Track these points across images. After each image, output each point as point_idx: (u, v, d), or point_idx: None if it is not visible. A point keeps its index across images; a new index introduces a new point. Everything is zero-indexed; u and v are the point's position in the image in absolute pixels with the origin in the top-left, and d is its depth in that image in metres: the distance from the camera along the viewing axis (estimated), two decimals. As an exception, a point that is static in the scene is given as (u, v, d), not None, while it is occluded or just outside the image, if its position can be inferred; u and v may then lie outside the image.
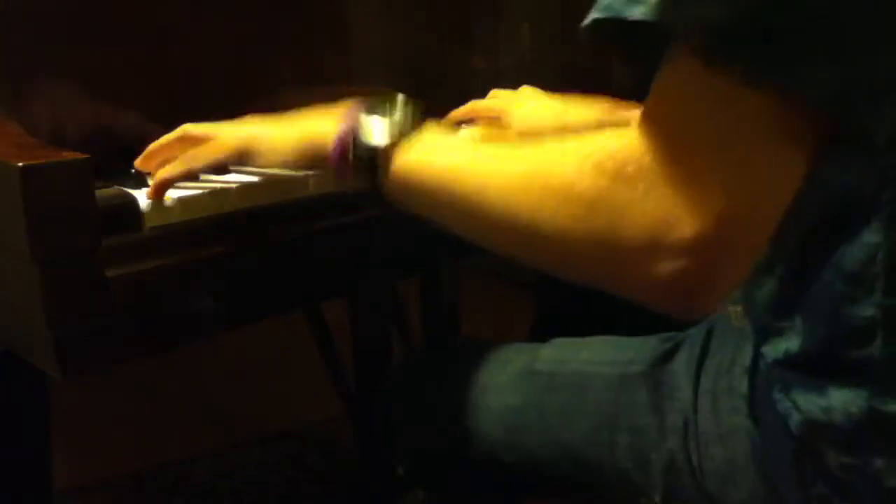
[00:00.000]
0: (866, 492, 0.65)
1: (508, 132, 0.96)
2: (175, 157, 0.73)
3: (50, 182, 0.60)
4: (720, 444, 0.72)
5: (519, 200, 0.55)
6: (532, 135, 0.69)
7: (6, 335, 0.70)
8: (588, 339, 0.85)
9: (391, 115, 0.65)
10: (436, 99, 1.03)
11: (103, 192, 0.66)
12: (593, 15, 0.53)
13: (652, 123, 0.51)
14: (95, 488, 1.62)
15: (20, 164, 0.59)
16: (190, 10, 0.88)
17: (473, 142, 0.65)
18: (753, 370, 0.71)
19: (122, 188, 0.70)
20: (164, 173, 0.71)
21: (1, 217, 0.62)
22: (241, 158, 0.73)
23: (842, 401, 0.64)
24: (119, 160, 0.78)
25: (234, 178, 0.78)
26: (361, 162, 0.65)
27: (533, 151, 0.58)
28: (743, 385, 0.71)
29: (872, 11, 0.48)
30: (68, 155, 0.62)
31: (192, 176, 0.73)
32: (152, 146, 0.77)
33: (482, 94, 1.06)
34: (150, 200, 0.70)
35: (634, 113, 0.54)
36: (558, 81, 1.08)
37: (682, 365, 0.77)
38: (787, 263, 0.66)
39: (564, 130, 0.90)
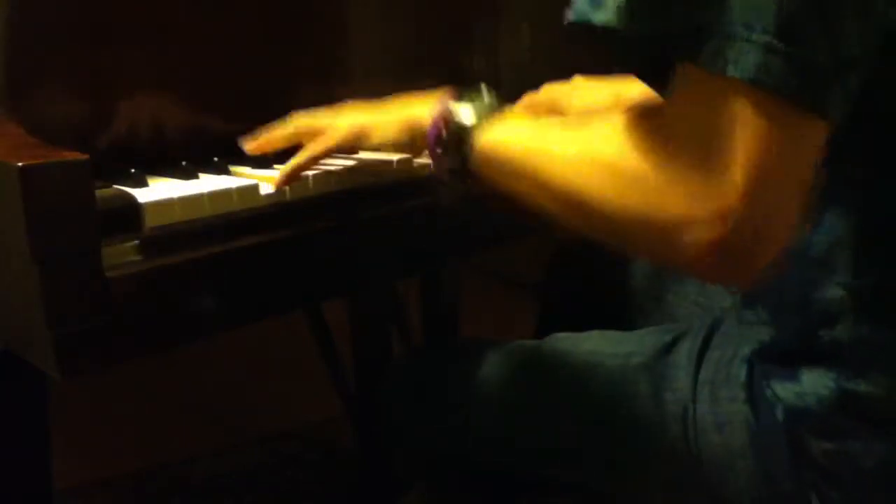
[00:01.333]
0: (852, 479, 0.67)
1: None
2: (285, 146, 0.83)
3: (50, 182, 0.60)
4: (718, 434, 0.73)
5: (571, 177, 0.62)
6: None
7: (6, 335, 0.70)
8: (588, 333, 0.86)
9: (477, 100, 0.74)
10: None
11: (103, 192, 0.66)
12: (568, 17, 0.59)
13: (680, 107, 0.56)
14: (95, 488, 1.62)
15: (20, 164, 0.59)
16: (191, 9, 0.88)
17: (543, 121, 0.72)
18: (751, 359, 0.72)
19: (122, 188, 0.70)
20: (295, 163, 0.80)
21: (1, 217, 0.62)
22: (353, 143, 0.81)
23: (813, 384, 0.66)
24: (119, 160, 0.78)
25: (234, 179, 0.78)
26: (453, 139, 0.73)
27: (585, 130, 0.64)
28: (742, 373, 0.72)
29: None
30: (68, 155, 0.62)
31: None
32: (266, 136, 0.84)
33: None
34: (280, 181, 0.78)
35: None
36: (558, 81, 1.08)
37: (682, 356, 0.78)
38: None
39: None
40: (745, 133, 0.53)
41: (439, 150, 0.75)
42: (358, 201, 0.85)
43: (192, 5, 0.89)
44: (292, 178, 0.79)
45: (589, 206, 0.60)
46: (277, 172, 0.81)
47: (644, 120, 0.58)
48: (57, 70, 0.79)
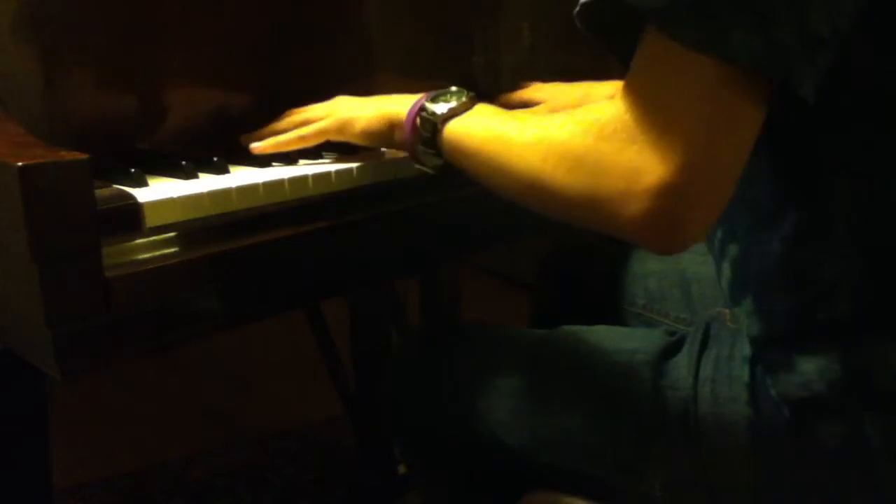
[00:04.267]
0: (863, 471, 0.67)
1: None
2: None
3: (50, 182, 0.60)
4: (720, 433, 0.73)
5: (530, 159, 0.67)
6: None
7: (6, 335, 0.70)
8: (594, 328, 0.86)
9: (451, 97, 0.80)
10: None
11: (103, 192, 0.66)
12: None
13: (629, 91, 0.61)
14: (95, 488, 1.62)
15: (20, 163, 0.59)
16: (192, 9, 0.88)
17: (507, 112, 0.76)
18: (753, 360, 0.72)
19: (122, 188, 0.70)
20: (284, 139, 0.87)
21: (1, 217, 0.62)
22: (339, 130, 0.87)
23: (820, 370, 0.66)
24: (119, 160, 0.78)
25: (234, 179, 0.78)
26: (425, 127, 0.79)
27: (544, 120, 0.68)
28: (745, 373, 0.73)
29: None
30: (68, 155, 0.62)
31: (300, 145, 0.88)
32: (272, 140, 0.88)
33: (482, 93, 1.06)
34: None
35: None
36: (558, 81, 1.08)
37: (683, 357, 0.78)
38: (740, 241, 0.73)
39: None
40: (696, 110, 0.57)
41: (414, 141, 0.81)
42: (357, 201, 0.85)
43: (194, 5, 0.89)
44: (274, 149, 0.86)
45: (542, 186, 0.65)
46: (278, 172, 0.81)
47: (599, 105, 0.63)
48: (57, 69, 0.79)
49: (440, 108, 0.79)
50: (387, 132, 0.85)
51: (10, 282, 0.64)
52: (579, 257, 1.17)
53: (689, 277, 1.02)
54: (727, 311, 0.80)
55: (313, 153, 0.91)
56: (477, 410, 0.85)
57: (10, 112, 0.73)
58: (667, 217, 0.59)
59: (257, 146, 0.86)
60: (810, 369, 0.68)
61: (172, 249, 0.70)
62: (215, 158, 0.83)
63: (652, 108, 0.59)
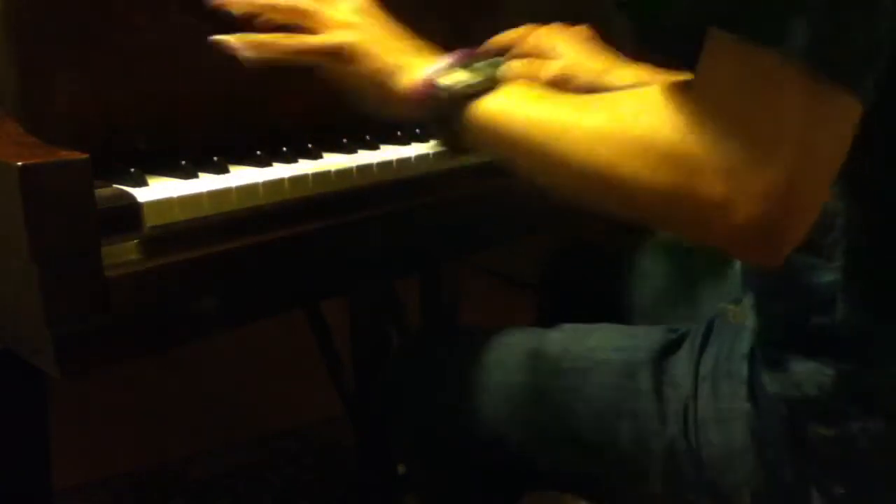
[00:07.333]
0: (853, 467, 0.67)
1: (552, 70, 0.94)
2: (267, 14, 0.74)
3: (50, 182, 0.60)
4: (719, 429, 0.73)
5: (597, 151, 0.58)
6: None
7: (6, 335, 0.70)
8: (595, 326, 0.86)
9: (478, 68, 0.69)
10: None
11: (103, 192, 0.66)
12: None
13: (712, 86, 0.54)
14: (95, 488, 1.62)
15: (19, 163, 0.59)
16: (191, 9, 0.88)
17: (551, 92, 0.68)
18: (752, 356, 0.72)
19: (122, 188, 0.70)
20: (270, 43, 0.72)
21: (0, 217, 0.62)
22: (337, 59, 0.73)
23: (811, 372, 0.66)
24: (119, 160, 0.78)
25: (234, 179, 0.78)
26: (441, 105, 0.68)
27: (610, 103, 0.60)
28: (743, 370, 0.73)
29: None
30: (68, 154, 0.62)
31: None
32: None
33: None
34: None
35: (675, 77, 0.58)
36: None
37: (684, 354, 0.78)
38: None
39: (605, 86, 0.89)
40: (793, 109, 0.51)
41: (425, 101, 0.70)
42: (357, 201, 0.85)
43: (192, 4, 0.89)
44: (253, 49, 0.72)
45: (618, 184, 0.57)
46: (278, 172, 0.80)
47: (677, 93, 0.55)
48: (57, 68, 0.79)
49: (458, 80, 0.68)
50: (396, 76, 0.72)
51: (10, 282, 0.64)
52: (586, 256, 1.16)
53: (695, 276, 1.02)
54: (730, 307, 0.80)
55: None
56: (477, 410, 0.85)
57: (9, 112, 0.73)
58: (774, 223, 0.52)
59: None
60: (803, 371, 0.67)
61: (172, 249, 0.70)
62: (215, 158, 0.82)
63: (743, 105, 0.52)
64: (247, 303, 0.75)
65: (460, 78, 0.69)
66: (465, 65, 0.70)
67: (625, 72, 0.96)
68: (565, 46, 0.97)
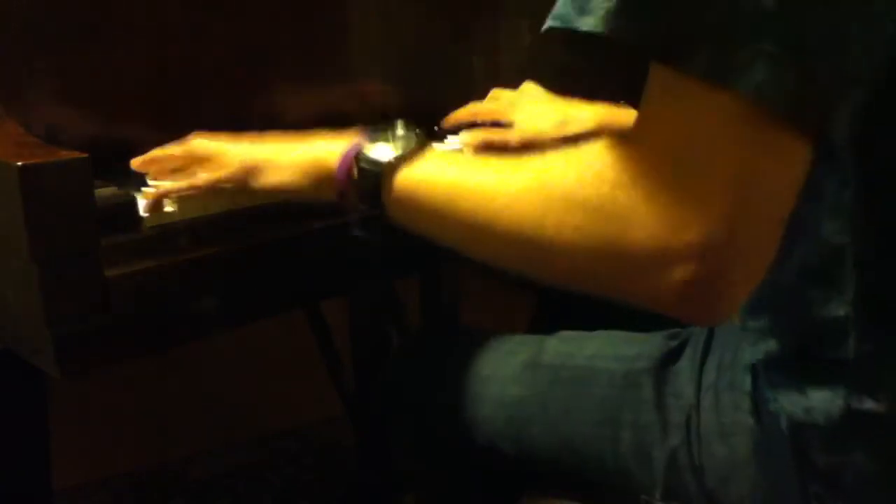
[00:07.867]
0: (855, 487, 0.66)
1: (510, 139, 0.97)
2: (174, 166, 0.75)
3: (49, 182, 0.60)
4: (721, 441, 0.72)
5: (523, 212, 0.55)
6: (533, 145, 0.72)
7: (6, 335, 0.70)
8: (594, 333, 0.85)
9: (394, 137, 0.66)
10: (436, 99, 1.04)
11: (103, 192, 0.66)
12: (548, 23, 0.54)
13: (647, 130, 0.51)
14: (95, 488, 1.62)
15: (19, 163, 0.59)
16: (190, 9, 0.88)
17: (475, 157, 0.67)
18: (755, 368, 0.72)
19: (122, 188, 0.70)
20: (171, 187, 0.73)
21: (1, 217, 0.62)
22: (245, 178, 0.72)
23: (821, 401, 0.65)
24: (119, 160, 0.78)
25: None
26: (365, 178, 0.65)
27: (535, 163, 0.57)
28: (746, 382, 0.72)
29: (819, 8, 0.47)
30: (68, 155, 0.62)
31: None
32: (156, 152, 0.77)
33: (482, 93, 1.06)
34: (147, 202, 0.72)
35: (633, 116, 0.54)
36: (558, 81, 1.08)
37: (686, 363, 0.77)
38: None
39: (565, 135, 0.91)
40: (732, 152, 0.47)
41: (349, 195, 0.68)
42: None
43: (193, 5, 0.89)
44: (158, 204, 0.72)
45: (544, 246, 0.54)
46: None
47: (614, 146, 0.52)
48: (57, 69, 0.79)
49: (383, 152, 0.65)
50: (308, 185, 0.70)
51: (10, 282, 0.64)
52: None
53: None
54: None
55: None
56: (476, 412, 0.85)
57: (9, 112, 0.73)
58: (708, 280, 0.48)
59: (137, 162, 0.76)
60: (809, 396, 0.66)
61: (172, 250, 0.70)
62: (215, 158, 0.82)
63: (679, 151, 0.49)
64: (247, 303, 0.75)
65: (382, 145, 0.66)
66: (374, 137, 0.67)
67: (583, 114, 0.96)
68: (523, 102, 1.00)
